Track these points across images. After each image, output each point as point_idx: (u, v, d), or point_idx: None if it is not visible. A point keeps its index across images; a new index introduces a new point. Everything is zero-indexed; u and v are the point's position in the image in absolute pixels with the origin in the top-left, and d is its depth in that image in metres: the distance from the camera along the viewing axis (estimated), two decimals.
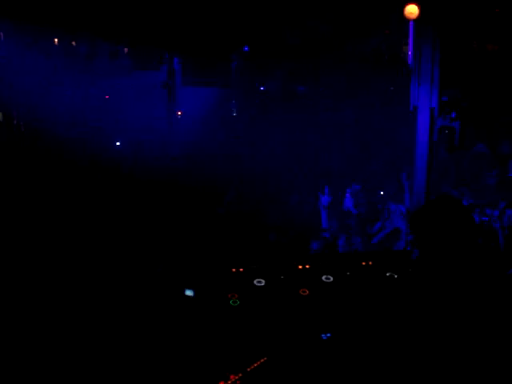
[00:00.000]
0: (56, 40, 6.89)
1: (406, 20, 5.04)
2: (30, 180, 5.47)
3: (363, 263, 4.00)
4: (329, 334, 3.60)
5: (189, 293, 3.73)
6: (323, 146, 6.39)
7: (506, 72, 5.25)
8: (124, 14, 6.16)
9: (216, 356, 3.53)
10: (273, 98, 7.03)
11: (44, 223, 4.78)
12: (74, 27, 6.23)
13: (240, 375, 3.48)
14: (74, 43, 6.84)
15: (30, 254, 4.28)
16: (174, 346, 3.56)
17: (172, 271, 3.91)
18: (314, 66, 6.66)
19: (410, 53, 5.06)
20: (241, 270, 3.94)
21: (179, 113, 8.32)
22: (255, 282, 3.86)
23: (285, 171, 6.19)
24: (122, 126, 7.15)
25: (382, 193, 5.94)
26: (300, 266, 3.98)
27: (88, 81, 7.16)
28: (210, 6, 5.94)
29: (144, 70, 7.75)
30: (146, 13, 6.13)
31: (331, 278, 3.89)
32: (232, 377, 3.46)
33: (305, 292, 3.82)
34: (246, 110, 7.07)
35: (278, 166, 6.02)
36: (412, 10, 4.88)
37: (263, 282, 3.86)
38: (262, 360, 3.53)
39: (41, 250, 4.35)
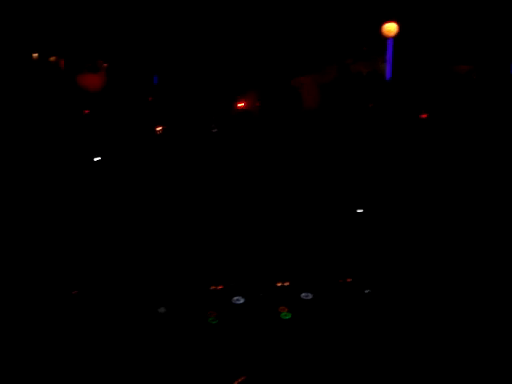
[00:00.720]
0: None
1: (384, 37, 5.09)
2: None
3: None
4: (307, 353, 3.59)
5: (162, 310, 3.71)
6: None
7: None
8: None
9: (194, 375, 3.50)
10: None
11: None
12: None
13: None
14: None
15: None
16: (150, 365, 3.52)
17: (147, 289, 3.88)
18: None
19: (388, 70, 5.12)
20: (220, 287, 3.92)
21: None
22: (234, 299, 3.85)
23: None
24: None
25: None
26: (279, 284, 3.98)
27: None
28: None
29: None
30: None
31: (310, 296, 3.89)
32: None
33: (283, 310, 3.82)
34: None
35: None
36: (390, 29, 4.93)
37: (242, 300, 3.85)
38: (240, 379, 3.50)
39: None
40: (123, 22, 5.98)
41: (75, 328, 3.68)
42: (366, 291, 3.93)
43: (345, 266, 4.21)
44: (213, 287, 3.93)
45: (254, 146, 5.64)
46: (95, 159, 5.61)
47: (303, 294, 3.91)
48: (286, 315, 3.77)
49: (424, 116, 5.18)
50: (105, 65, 6.40)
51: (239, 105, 5.90)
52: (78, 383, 3.40)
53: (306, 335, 3.69)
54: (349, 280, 4.04)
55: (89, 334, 3.65)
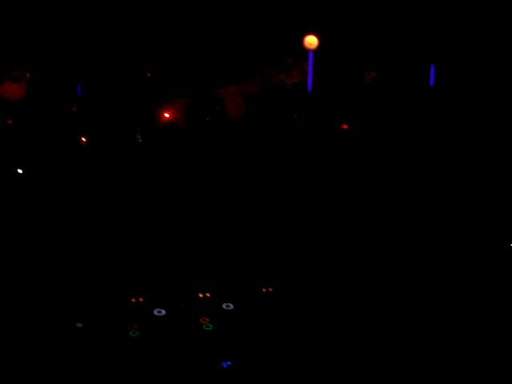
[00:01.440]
0: None
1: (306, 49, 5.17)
2: None
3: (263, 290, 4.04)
4: (229, 363, 3.60)
5: (79, 325, 3.66)
6: None
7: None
8: None
9: None
10: None
11: None
12: None
13: None
14: None
15: None
16: (70, 378, 3.47)
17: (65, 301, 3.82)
18: None
19: (309, 82, 5.20)
20: (140, 299, 3.90)
21: None
22: (155, 311, 3.83)
23: None
24: None
25: None
26: (201, 295, 3.98)
27: None
28: None
29: None
30: None
31: (231, 306, 3.91)
32: None
33: (205, 321, 3.82)
34: None
35: None
36: (311, 41, 5.01)
37: (163, 312, 3.83)
38: None
39: None
40: (46, 29, 5.88)
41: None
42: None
43: (267, 274, 4.25)
44: (133, 299, 3.90)
45: (180, 156, 5.62)
46: (18, 171, 5.49)
47: (224, 305, 3.92)
48: (208, 326, 3.77)
49: (345, 127, 5.29)
50: (27, 74, 6.29)
51: (165, 115, 5.88)
52: None
53: (227, 345, 3.71)
54: (270, 290, 4.07)
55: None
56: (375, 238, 4.63)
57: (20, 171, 5.60)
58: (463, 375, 3.56)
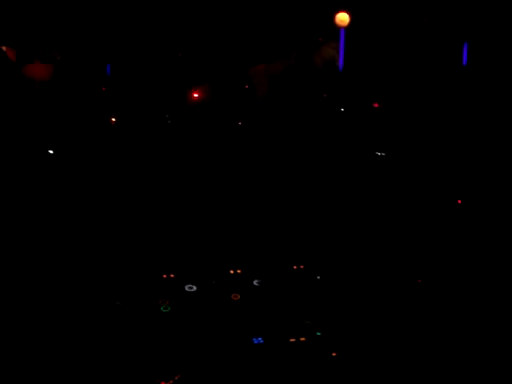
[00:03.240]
0: None
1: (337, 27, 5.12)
2: None
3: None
4: (260, 339, 3.60)
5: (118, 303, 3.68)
6: None
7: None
8: None
9: (146, 364, 3.48)
10: None
11: None
12: None
13: (171, 382, 3.44)
14: None
15: None
16: (103, 353, 3.50)
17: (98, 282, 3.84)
18: None
19: (341, 60, 5.15)
20: (171, 275, 3.90)
21: None
22: (186, 287, 3.84)
23: None
24: None
25: None
26: (232, 271, 3.98)
27: None
28: None
29: None
30: None
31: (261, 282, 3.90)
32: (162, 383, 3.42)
33: (236, 297, 3.82)
34: None
35: None
36: (343, 18, 4.95)
37: (194, 288, 3.84)
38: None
39: None
40: (76, 10, 5.90)
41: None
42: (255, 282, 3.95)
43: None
44: (165, 276, 3.91)
45: (210, 137, 5.62)
46: (49, 152, 5.53)
47: (255, 281, 3.92)
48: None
49: (376, 105, 5.24)
50: (58, 57, 6.31)
51: (194, 95, 5.87)
52: None
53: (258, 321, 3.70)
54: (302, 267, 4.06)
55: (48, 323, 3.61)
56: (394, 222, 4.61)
57: (51, 152, 5.64)
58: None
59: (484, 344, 3.66)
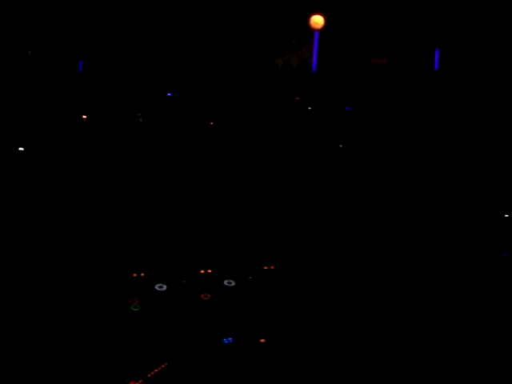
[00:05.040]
0: None
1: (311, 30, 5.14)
2: None
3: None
4: (230, 339, 3.59)
5: None
6: None
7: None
8: None
9: (116, 362, 3.46)
10: None
11: None
12: None
13: (141, 382, 3.42)
14: None
15: None
16: (71, 352, 3.46)
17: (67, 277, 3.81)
18: None
19: (314, 62, 5.18)
20: (142, 274, 3.88)
21: None
22: (156, 286, 3.82)
23: None
24: None
25: None
26: (202, 271, 3.97)
27: None
28: None
29: None
30: None
31: (233, 283, 3.89)
32: (132, 383, 3.40)
33: (206, 297, 3.81)
34: None
35: None
36: (317, 21, 4.98)
37: (165, 287, 3.82)
38: (162, 366, 3.48)
39: None
40: (49, 5, 5.83)
41: None
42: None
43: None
44: (135, 274, 3.89)
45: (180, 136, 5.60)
46: (20, 149, 5.46)
47: (226, 281, 3.91)
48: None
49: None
50: (29, 51, 6.24)
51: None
52: None
53: (229, 322, 3.70)
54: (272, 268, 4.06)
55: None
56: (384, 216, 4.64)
57: (21, 149, 5.57)
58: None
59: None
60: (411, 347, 3.67)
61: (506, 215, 4.60)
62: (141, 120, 5.84)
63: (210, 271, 3.96)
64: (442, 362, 3.60)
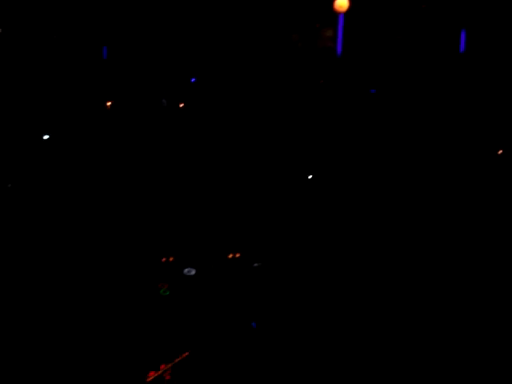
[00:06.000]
0: None
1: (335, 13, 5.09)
2: None
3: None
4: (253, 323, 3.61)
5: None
6: None
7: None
8: None
9: (147, 346, 3.49)
10: None
11: None
12: None
13: (170, 365, 3.45)
14: None
15: None
16: (105, 336, 3.50)
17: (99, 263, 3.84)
18: None
19: (339, 44, 5.13)
20: (171, 259, 3.90)
21: None
22: (185, 271, 3.83)
23: None
24: None
25: None
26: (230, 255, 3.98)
27: None
28: None
29: None
30: None
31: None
32: (162, 366, 3.43)
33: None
34: None
35: None
36: (342, 4, 4.93)
37: (193, 272, 3.84)
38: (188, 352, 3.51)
39: None
40: None
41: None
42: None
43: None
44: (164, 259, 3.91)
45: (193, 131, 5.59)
46: (45, 137, 5.49)
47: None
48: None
49: None
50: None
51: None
52: None
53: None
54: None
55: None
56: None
57: (46, 137, 5.61)
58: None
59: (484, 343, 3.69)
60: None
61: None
62: (165, 105, 5.84)
63: (238, 255, 3.97)
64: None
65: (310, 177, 4.80)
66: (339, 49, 5.25)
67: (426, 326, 3.72)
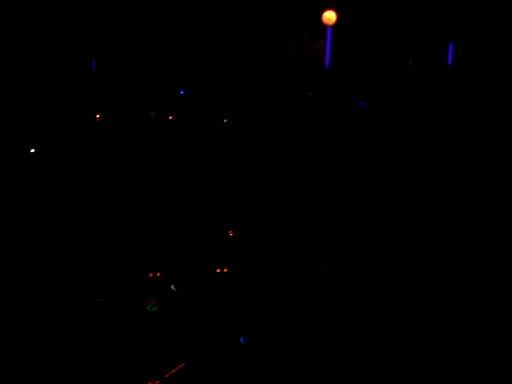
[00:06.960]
0: None
1: (323, 26, 5.11)
2: None
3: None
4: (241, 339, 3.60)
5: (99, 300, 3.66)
6: None
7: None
8: None
9: (133, 363, 3.47)
10: None
11: None
12: None
13: (158, 382, 3.44)
14: None
15: None
16: (91, 354, 3.48)
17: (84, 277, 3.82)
18: None
19: (327, 57, 5.14)
20: (158, 274, 3.88)
21: None
22: (172, 286, 3.82)
23: None
24: None
25: None
26: (218, 270, 3.97)
27: None
28: None
29: None
30: None
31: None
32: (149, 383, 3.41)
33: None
34: None
35: None
36: (330, 17, 4.95)
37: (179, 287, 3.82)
38: (179, 366, 3.49)
39: None
40: (60, 3, 5.84)
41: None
42: None
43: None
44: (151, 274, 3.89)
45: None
46: (31, 151, 5.47)
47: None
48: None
49: None
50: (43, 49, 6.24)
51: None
52: None
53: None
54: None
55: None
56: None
57: (32, 151, 5.59)
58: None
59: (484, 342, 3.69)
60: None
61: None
62: (154, 117, 5.84)
63: (225, 270, 3.96)
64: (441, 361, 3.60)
65: (299, 189, 4.81)
66: (327, 61, 5.26)
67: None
